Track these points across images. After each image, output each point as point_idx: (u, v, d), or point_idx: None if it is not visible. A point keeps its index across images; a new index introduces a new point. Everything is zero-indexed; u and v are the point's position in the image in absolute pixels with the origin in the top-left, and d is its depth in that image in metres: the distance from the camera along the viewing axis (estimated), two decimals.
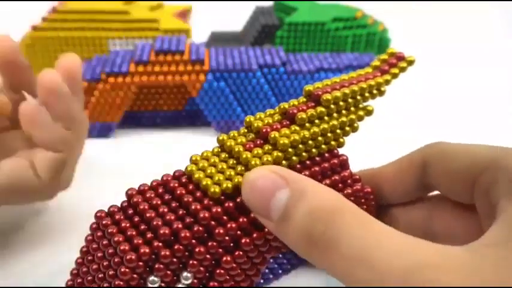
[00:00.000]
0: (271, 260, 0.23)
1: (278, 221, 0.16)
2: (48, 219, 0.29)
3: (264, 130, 0.19)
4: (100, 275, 0.18)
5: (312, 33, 0.48)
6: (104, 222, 0.18)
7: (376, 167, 0.25)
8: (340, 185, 0.21)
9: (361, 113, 0.21)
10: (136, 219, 0.18)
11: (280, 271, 0.24)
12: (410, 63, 0.22)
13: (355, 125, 0.21)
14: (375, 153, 0.30)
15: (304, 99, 0.21)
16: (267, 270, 0.24)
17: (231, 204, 0.18)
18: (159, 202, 0.18)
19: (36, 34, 0.45)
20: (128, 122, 0.41)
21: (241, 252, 0.18)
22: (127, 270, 0.17)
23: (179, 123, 0.42)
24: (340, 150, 0.21)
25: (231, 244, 0.18)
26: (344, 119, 0.20)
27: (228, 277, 0.18)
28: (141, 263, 0.17)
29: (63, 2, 0.48)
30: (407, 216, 0.24)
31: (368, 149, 0.37)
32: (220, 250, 0.18)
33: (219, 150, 0.20)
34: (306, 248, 0.15)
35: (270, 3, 0.53)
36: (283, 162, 0.19)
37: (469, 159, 0.21)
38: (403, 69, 0.22)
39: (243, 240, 0.18)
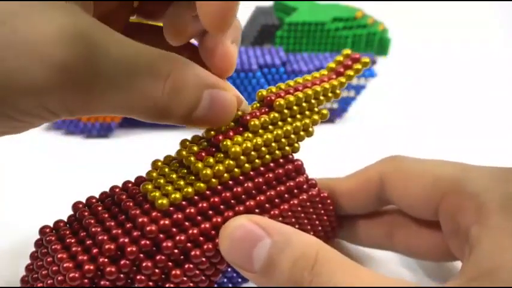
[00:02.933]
0: (229, 269, 0.22)
1: (261, 271, 0.16)
2: (43, 219, 0.29)
3: (215, 138, 0.18)
4: None
5: (312, 33, 0.48)
6: (47, 238, 0.17)
7: (332, 177, 0.24)
8: (295, 190, 0.20)
9: (315, 117, 0.20)
10: (82, 233, 0.17)
11: (239, 279, 0.23)
12: (365, 64, 0.21)
13: (310, 129, 0.20)
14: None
15: (258, 105, 0.20)
16: (225, 280, 0.23)
17: (180, 216, 0.17)
18: (105, 215, 0.17)
19: None
20: (128, 122, 0.41)
21: (191, 265, 0.17)
22: None
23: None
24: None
25: (182, 257, 0.17)
26: (298, 123, 0.19)
27: None
28: (86, 281, 0.16)
29: None
30: (368, 231, 0.24)
31: (370, 152, 0.37)
32: (170, 264, 0.17)
33: (171, 158, 0.19)
34: None
35: (270, 3, 0.53)
36: (236, 170, 0.18)
37: (431, 180, 0.21)
38: (357, 71, 0.21)
39: (193, 253, 0.17)
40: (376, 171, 0.23)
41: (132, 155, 0.37)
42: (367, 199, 0.23)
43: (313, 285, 0.15)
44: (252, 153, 0.18)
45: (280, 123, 0.19)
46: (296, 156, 0.21)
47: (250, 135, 0.18)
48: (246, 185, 0.18)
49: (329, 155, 0.36)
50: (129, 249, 0.16)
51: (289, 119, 0.20)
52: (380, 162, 0.23)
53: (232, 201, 0.18)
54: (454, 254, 0.21)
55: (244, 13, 0.53)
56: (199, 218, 0.17)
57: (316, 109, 0.20)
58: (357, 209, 0.24)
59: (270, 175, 0.19)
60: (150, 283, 0.17)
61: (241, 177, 0.18)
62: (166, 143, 0.40)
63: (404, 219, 0.23)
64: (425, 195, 0.21)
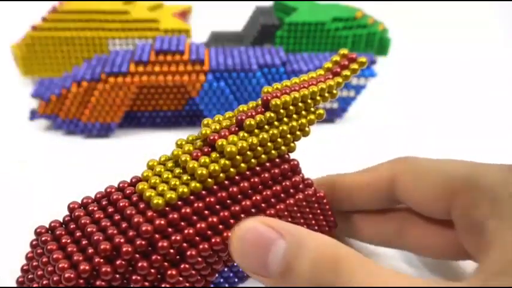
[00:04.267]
0: (226, 269, 0.22)
1: (280, 275, 0.15)
2: (43, 219, 0.29)
3: (211, 137, 0.18)
4: None
5: (311, 33, 0.47)
6: (43, 238, 0.17)
7: (344, 173, 0.24)
8: (291, 190, 0.20)
9: (312, 117, 0.20)
10: (77, 234, 0.17)
11: (236, 279, 0.23)
12: (362, 64, 0.21)
13: (306, 129, 0.20)
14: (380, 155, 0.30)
15: (254, 104, 0.20)
16: (222, 280, 0.23)
17: (175, 216, 0.17)
18: (101, 215, 0.17)
19: (36, 34, 0.45)
20: (128, 122, 0.41)
21: (187, 265, 0.17)
22: None
23: (179, 123, 0.41)
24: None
25: (177, 257, 0.17)
26: (294, 123, 0.19)
27: None
28: (81, 281, 0.16)
29: (63, 2, 0.48)
30: (378, 229, 0.24)
31: (372, 150, 0.37)
32: (166, 264, 0.17)
33: (167, 158, 0.19)
34: None
35: (270, 3, 0.53)
36: (231, 170, 0.18)
37: (443, 179, 0.20)
38: (354, 71, 0.21)
39: (188, 253, 0.17)
40: (388, 170, 0.22)
41: (132, 155, 0.37)
42: (377, 194, 0.23)
43: (337, 285, 0.15)
44: (248, 153, 0.18)
45: (276, 123, 0.19)
46: (296, 156, 0.21)
47: (245, 134, 0.18)
48: (241, 184, 0.18)
49: (329, 155, 0.36)
50: (124, 249, 0.16)
51: (285, 119, 0.19)
52: (391, 161, 0.23)
53: (228, 201, 0.18)
54: (469, 251, 0.20)
55: (244, 13, 0.53)
56: (195, 217, 0.17)
57: (312, 109, 0.20)
58: (366, 203, 0.24)
59: (266, 175, 0.19)
60: (146, 283, 0.17)
61: (237, 177, 0.18)
62: (165, 143, 0.40)
63: (415, 218, 0.23)
64: (437, 193, 0.20)
